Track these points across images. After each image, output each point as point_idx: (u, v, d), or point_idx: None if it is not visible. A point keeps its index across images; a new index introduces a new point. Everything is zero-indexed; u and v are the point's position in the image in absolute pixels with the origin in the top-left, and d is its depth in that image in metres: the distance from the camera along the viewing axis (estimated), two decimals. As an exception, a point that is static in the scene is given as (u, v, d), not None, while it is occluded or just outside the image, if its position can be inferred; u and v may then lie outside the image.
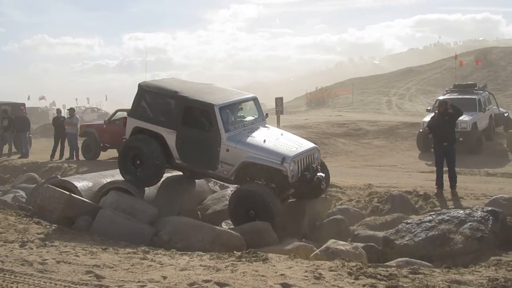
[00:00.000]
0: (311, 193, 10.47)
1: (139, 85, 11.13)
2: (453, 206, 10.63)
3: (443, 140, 12.01)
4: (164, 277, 5.84)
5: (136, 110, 11.02)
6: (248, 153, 9.87)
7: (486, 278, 5.79)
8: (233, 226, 9.96)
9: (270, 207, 9.34)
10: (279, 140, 10.30)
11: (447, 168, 12.07)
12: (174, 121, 10.49)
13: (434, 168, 16.28)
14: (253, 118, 11.06)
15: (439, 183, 11.97)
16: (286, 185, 9.99)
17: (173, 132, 10.45)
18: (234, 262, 6.51)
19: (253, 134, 10.36)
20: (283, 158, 9.59)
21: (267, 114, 11.67)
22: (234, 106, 10.80)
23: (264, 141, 10.07)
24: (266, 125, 11.21)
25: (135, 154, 10.55)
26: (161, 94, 10.94)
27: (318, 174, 10.17)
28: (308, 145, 10.66)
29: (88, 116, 45.50)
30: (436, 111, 12.72)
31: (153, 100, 10.98)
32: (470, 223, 8.05)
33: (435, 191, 11.82)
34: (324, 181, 10.28)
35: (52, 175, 16.22)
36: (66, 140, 20.68)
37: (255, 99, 11.41)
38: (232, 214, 9.86)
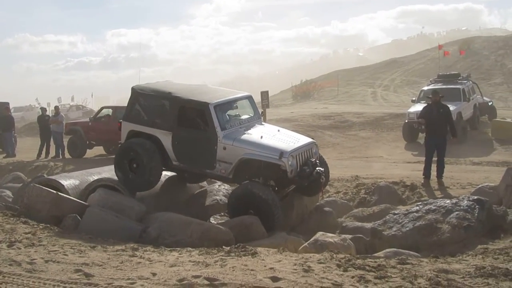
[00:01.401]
0: (311, 188, 10.36)
1: (133, 88, 11.04)
2: (442, 196, 10.73)
3: (437, 133, 12.15)
4: (154, 274, 5.84)
5: (130, 114, 10.93)
6: (245, 150, 9.79)
7: (474, 266, 5.85)
8: (221, 221, 9.98)
9: (270, 206, 9.26)
10: (276, 136, 10.25)
11: (435, 158, 12.18)
12: (169, 122, 10.40)
13: (420, 158, 16.44)
14: (248, 116, 11.01)
15: (427, 173, 12.09)
16: (285, 181, 9.93)
17: (168, 134, 10.36)
18: (223, 257, 6.51)
19: (250, 131, 10.29)
20: (281, 153, 9.51)
21: (262, 112, 11.65)
22: (229, 105, 10.72)
23: (261, 137, 10.00)
24: (262, 122, 11.18)
25: (132, 158, 10.41)
26: (155, 96, 10.82)
27: (317, 168, 10.10)
28: (305, 140, 10.61)
29: (73, 113, 45.13)
30: (429, 102, 12.79)
31: (147, 102, 10.86)
32: (456, 213, 8.13)
33: (422, 181, 11.93)
34: (323, 175, 10.19)
35: (38, 174, 16.12)
36: (52, 139, 20.57)
37: (249, 98, 11.37)
38: (232, 213, 9.76)
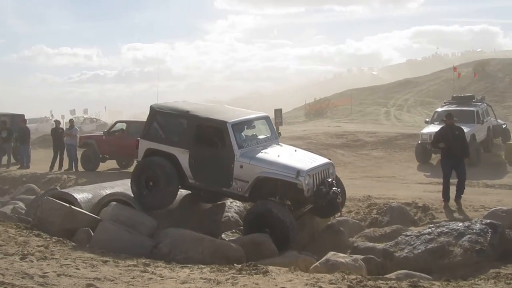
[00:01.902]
0: (328, 209, 10.40)
1: (151, 107, 11.20)
2: (461, 217, 10.66)
3: (453, 155, 12.19)
4: (165, 290, 5.87)
5: (148, 132, 11.07)
6: (262, 168, 9.84)
7: (486, 291, 5.82)
8: (232, 238, 9.99)
9: (287, 227, 9.30)
10: (293, 156, 10.36)
11: (456, 180, 12.26)
12: (186, 141, 10.51)
13: (433, 180, 16.36)
14: (265, 136, 11.10)
15: (446, 196, 12.07)
16: (302, 200, 9.96)
17: (186, 152, 10.45)
18: (235, 275, 6.52)
19: (267, 150, 10.37)
20: (298, 171, 9.53)
21: (279, 133, 11.70)
22: (246, 124, 10.81)
23: (278, 156, 10.08)
24: (279, 143, 11.23)
25: (150, 176, 10.52)
26: (173, 115, 10.98)
27: (334, 188, 10.11)
28: (322, 160, 10.68)
29: (86, 126, 45.50)
30: (443, 125, 12.75)
31: (165, 120, 11.04)
32: (469, 236, 8.09)
33: (442, 204, 11.88)
34: (340, 196, 10.19)
35: (51, 186, 16.25)
36: (65, 151, 20.73)
37: (267, 118, 11.50)
38: (247, 230, 9.81)
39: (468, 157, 12.59)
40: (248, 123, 10.91)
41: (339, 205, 10.36)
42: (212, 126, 10.49)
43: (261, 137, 10.99)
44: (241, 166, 9.97)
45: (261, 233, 9.35)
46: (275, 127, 12.03)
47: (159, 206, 10.60)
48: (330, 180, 10.25)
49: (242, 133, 10.56)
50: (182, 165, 10.49)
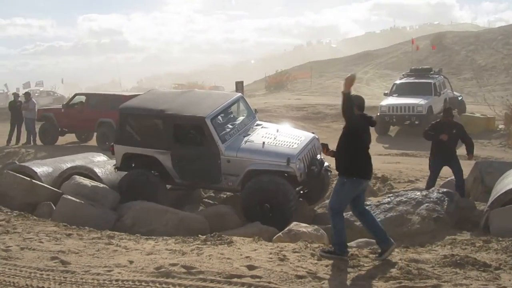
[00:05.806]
0: (317, 188, 10.34)
1: (120, 110, 10.56)
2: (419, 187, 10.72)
3: (447, 154, 10.21)
4: (131, 262, 5.92)
5: (122, 136, 10.44)
6: (250, 160, 9.46)
7: (442, 256, 6.04)
8: (197, 210, 10.03)
9: (286, 196, 9.05)
10: (277, 139, 9.83)
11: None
12: (165, 141, 9.97)
13: (391, 151, 16.61)
14: (243, 117, 10.68)
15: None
16: (295, 184, 9.56)
17: (166, 153, 9.94)
18: (200, 246, 6.61)
19: (250, 138, 9.89)
20: (288, 158, 9.22)
21: (256, 110, 11.24)
22: (224, 112, 10.33)
23: (263, 143, 9.60)
24: (258, 122, 10.79)
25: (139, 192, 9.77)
26: (146, 116, 10.33)
27: (325, 165, 9.98)
28: (307, 136, 10.31)
29: (43, 99, 44.39)
30: (439, 120, 10.82)
31: (139, 123, 10.40)
32: (426, 204, 8.34)
33: None
34: (331, 171, 9.98)
35: (9, 161, 15.93)
36: (23, 125, 20.30)
37: (241, 98, 11.11)
38: (246, 210, 9.39)
39: (471, 153, 10.37)
40: (225, 110, 10.41)
41: (329, 182, 10.39)
42: (190, 124, 9.98)
43: (240, 120, 10.54)
44: (228, 161, 9.55)
45: (261, 208, 9.16)
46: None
47: None
48: (319, 157, 9.99)
49: (222, 123, 10.10)
50: (166, 167, 10.01)
